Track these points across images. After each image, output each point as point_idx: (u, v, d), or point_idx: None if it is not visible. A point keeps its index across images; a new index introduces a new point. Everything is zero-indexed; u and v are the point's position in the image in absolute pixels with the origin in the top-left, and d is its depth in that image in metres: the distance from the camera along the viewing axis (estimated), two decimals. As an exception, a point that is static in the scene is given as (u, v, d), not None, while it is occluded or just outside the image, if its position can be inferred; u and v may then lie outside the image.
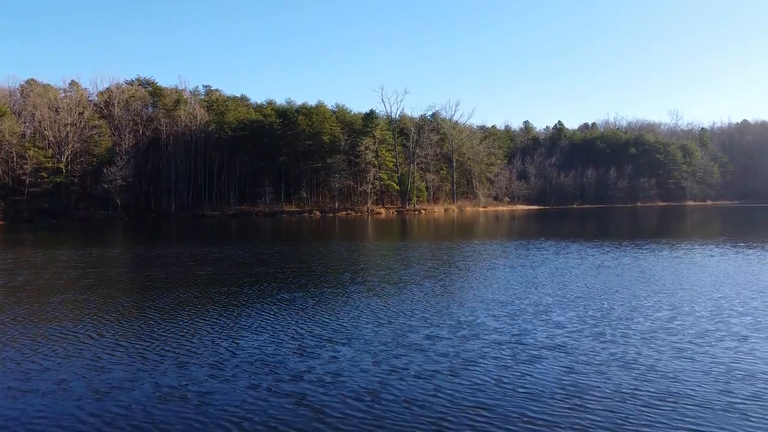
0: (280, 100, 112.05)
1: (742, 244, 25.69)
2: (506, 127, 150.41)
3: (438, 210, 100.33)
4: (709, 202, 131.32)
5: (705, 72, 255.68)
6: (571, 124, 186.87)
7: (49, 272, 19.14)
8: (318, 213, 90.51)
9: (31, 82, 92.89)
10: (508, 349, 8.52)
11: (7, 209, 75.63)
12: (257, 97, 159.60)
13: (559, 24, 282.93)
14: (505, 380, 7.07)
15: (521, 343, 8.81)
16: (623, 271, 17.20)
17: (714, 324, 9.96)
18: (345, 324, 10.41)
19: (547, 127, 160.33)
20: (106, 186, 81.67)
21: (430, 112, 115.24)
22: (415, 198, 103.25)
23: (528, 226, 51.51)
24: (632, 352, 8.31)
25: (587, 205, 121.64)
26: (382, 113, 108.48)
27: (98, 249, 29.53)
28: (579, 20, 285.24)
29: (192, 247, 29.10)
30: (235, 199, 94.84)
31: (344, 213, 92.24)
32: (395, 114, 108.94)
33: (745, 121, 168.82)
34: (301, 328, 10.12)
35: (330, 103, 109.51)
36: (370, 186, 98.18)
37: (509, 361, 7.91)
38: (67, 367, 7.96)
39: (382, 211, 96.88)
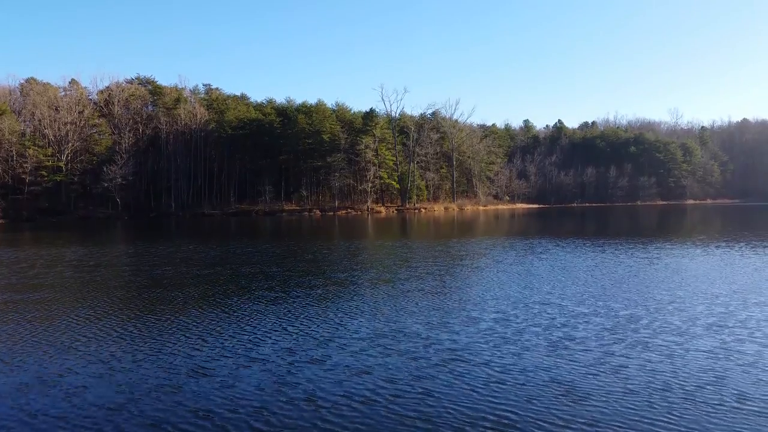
0: (280, 99, 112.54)
1: (718, 244, 25.33)
2: (506, 125, 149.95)
3: (438, 209, 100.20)
4: (709, 201, 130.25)
5: (705, 71, 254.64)
6: (571, 122, 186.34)
7: (11, 271, 19.14)
8: (318, 212, 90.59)
9: (30, 81, 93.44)
10: (441, 374, 7.46)
11: (7, 208, 76.10)
12: (257, 96, 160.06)
13: (559, 23, 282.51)
14: (427, 411, 6.26)
15: (462, 360, 8.02)
16: (590, 272, 16.99)
17: (671, 335, 9.69)
18: (259, 336, 9.57)
19: (547, 125, 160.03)
20: (106, 185, 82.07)
21: (430, 111, 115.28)
22: (415, 197, 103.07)
23: (527, 224, 51.23)
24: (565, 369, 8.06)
25: (587, 204, 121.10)
26: (382, 112, 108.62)
27: (81, 247, 29.48)
28: (579, 19, 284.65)
29: (170, 246, 29.06)
30: (235, 198, 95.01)
31: (344, 212, 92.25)
32: (395, 113, 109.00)
33: (745, 119, 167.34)
34: (209, 340, 9.32)
35: (330, 102, 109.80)
36: (370, 185, 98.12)
37: (435, 383, 7.10)
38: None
39: (382, 209, 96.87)
